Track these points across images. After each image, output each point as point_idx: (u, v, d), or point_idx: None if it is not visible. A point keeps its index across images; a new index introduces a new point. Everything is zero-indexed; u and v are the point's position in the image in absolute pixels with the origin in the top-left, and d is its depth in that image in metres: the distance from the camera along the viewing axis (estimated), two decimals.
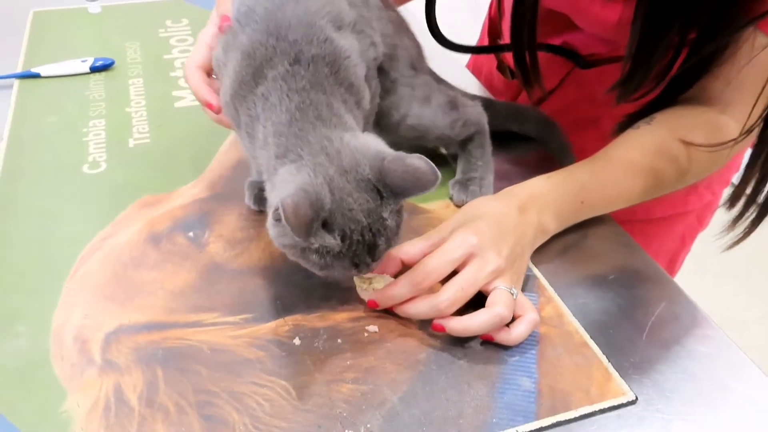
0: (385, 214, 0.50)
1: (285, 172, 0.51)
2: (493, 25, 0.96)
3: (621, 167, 0.65)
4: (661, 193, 0.67)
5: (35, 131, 0.79)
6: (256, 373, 0.51)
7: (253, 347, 0.53)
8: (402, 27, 0.69)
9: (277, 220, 0.49)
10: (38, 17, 1.08)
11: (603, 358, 0.53)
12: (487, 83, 0.95)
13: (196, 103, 0.85)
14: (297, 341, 0.54)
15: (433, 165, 0.49)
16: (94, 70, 0.91)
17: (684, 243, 0.93)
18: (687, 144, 0.64)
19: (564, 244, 0.64)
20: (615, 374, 0.52)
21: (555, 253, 0.63)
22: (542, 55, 0.74)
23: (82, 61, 0.91)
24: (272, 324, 0.55)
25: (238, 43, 0.55)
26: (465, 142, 0.72)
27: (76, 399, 0.49)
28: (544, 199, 0.62)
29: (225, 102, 0.58)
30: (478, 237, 0.56)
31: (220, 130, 0.78)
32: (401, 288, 0.55)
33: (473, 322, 0.53)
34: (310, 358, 0.52)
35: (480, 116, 0.72)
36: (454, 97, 0.71)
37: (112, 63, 0.92)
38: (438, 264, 0.55)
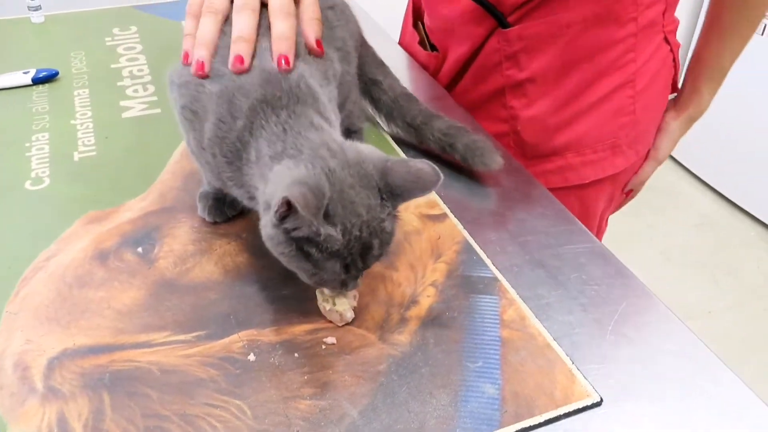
0: (383, 215, 0.50)
1: (283, 168, 0.49)
2: (416, 7, 1.01)
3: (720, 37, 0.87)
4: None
5: None
6: (209, 393, 0.49)
7: (205, 366, 0.51)
8: (354, 34, 0.71)
9: (281, 216, 0.46)
10: None
11: (567, 359, 0.52)
12: (414, 57, 1.00)
13: (145, 112, 0.82)
14: (252, 357, 0.52)
15: (436, 167, 0.49)
16: (37, 81, 0.88)
17: (610, 204, 0.98)
18: None
19: (525, 246, 0.63)
20: (579, 376, 0.51)
21: (516, 256, 0.62)
22: (466, 12, 0.82)
23: (24, 73, 0.88)
24: (226, 340, 0.53)
25: (207, 92, 0.54)
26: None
27: (17, 430, 0.46)
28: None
29: (198, 150, 0.57)
30: None
31: (170, 140, 0.76)
32: None
33: None
34: (266, 375, 0.50)
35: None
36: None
37: (56, 74, 0.89)
38: None
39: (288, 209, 0.46)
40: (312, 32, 0.58)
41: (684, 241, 2.25)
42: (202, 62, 0.55)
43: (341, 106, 0.66)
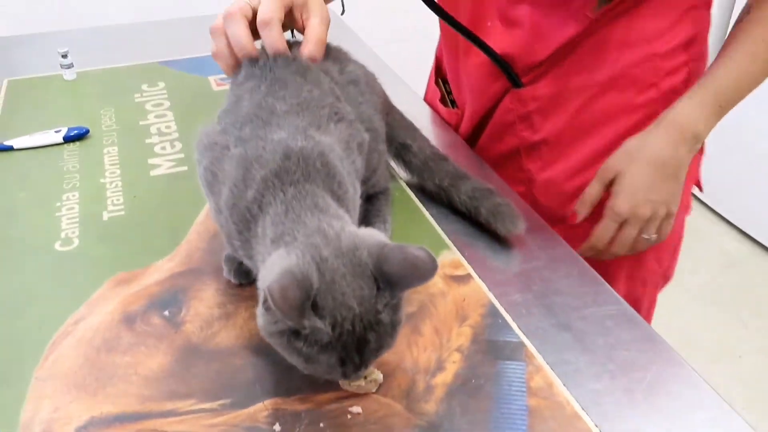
0: (380, 307, 0.48)
1: (275, 256, 0.49)
2: (439, 65, 1.03)
3: (745, 54, 0.75)
4: None
5: (5, 207, 0.78)
6: None
7: None
8: (378, 107, 0.73)
9: (267, 308, 0.47)
10: (13, 86, 1.07)
11: (597, 430, 0.51)
12: (437, 113, 1.01)
13: (173, 170, 0.84)
14: (277, 427, 0.51)
15: (433, 255, 0.48)
16: (68, 139, 0.90)
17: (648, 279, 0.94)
18: None
19: (551, 308, 0.63)
20: None
21: (542, 318, 0.62)
22: (481, 68, 0.82)
23: (56, 132, 0.90)
24: (251, 409, 0.53)
25: (230, 155, 0.56)
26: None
27: None
28: (691, 124, 0.74)
29: (216, 213, 0.58)
30: (629, 206, 0.76)
31: (196, 198, 0.77)
32: (606, 228, 0.77)
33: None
34: None
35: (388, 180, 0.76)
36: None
37: (87, 132, 0.91)
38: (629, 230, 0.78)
39: (267, 303, 0.45)
40: (308, 49, 0.63)
41: (710, 281, 2.21)
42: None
43: (367, 178, 0.67)
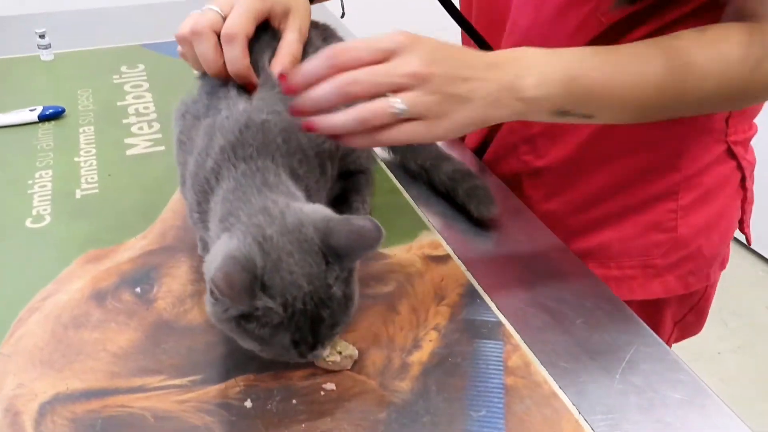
0: (330, 281, 0.46)
1: (219, 243, 0.48)
2: None
3: (629, 51, 0.57)
4: (698, 84, 0.57)
5: None
6: None
7: (201, 412, 0.50)
8: None
9: (215, 298, 0.46)
10: None
11: (574, 409, 0.50)
12: None
13: (149, 150, 0.82)
14: (248, 403, 0.50)
15: (378, 224, 0.47)
16: (43, 118, 0.88)
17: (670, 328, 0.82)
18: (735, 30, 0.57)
19: (529, 288, 0.62)
20: (586, 426, 0.49)
21: (520, 299, 0.61)
22: None
23: (30, 110, 0.88)
24: (222, 386, 0.52)
25: (199, 125, 0.55)
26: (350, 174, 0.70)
27: None
28: (527, 61, 0.54)
29: (182, 184, 0.58)
30: (412, 40, 0.51)
31: (173, 177, 0.75)
32: (310, 61, 0.51)
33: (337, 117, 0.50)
34: (263, 422, 0.49)
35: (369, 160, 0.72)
36: None
37: (63, 111, 0.89)
38: (356, 43, 0.51)
39: (214, 292, 0.45)
40: (279, 64, 0.58)
41: None
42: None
43: (346, 154, 0.65)
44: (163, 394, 0.51)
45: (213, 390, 0.51)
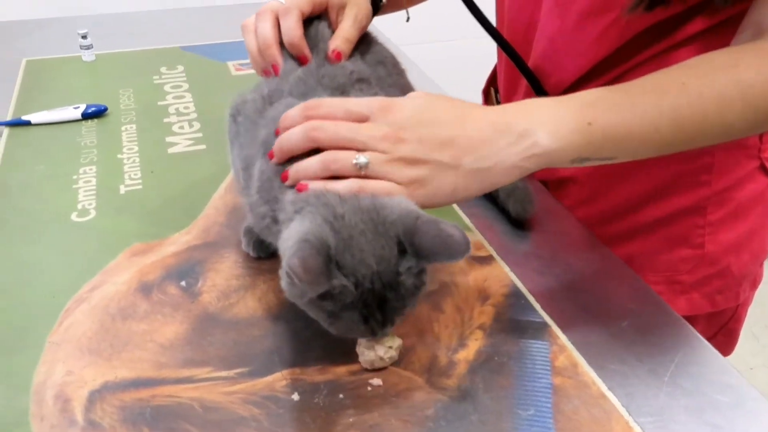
0: (401, 269, 0.46)
1: (290, 228, 0.48)
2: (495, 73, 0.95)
3: (641, 87, 0.53)
4: (720, 113, 0.53)
5: (23, 179, 0.77)
6: None
7: (248, 404, 0.50)
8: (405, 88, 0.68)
9: (293, 284, 0.46)
10: (31, 65, 1.07)
11: (623, 410, 0.50)
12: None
13: (190, 148, 0.83)
14: (295, 397, 0.50)
15: (466, 235, 0.46)
16: (86, 116, 0.89)
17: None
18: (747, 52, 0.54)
19: (573, 290, 0.62)
20: (636, 428, 0.48)
21: (565, 301, 0.60)
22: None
23: (74, 108, 0.90)
24: (269, 378, 0.52)
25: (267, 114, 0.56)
26: None
27: None
28: (535, 115, 0.51)
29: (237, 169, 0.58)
30: (389, 107, 0.50)
31: (215, 175, 0.77)
32: (290, 111, 0.52)
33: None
34: (310, 416, 0.49)
35: None
36: None
37: (105, 109, 0.91)
38: (333, 101, 0.52)
39: (291, 279, 0.44)
40: (333, 44, 0.60)
41: None
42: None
43: None
44: (210, 385, 0.51)
45: (260, 383, 0.51)
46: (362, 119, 0.50)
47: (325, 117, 0.51)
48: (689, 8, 0.62)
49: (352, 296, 0.46)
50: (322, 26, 0.62)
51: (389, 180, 0.49)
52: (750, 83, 0.53)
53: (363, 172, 0.49)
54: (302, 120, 0.51)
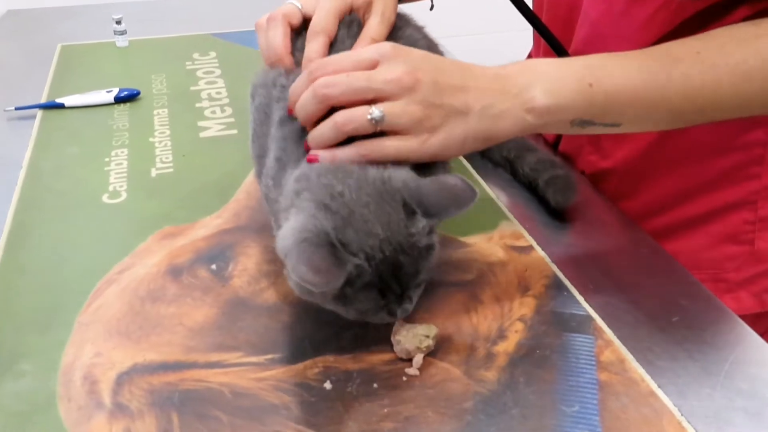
0: (413, 230, 0.45)
1: (286, 225, 0.46)
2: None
3: (651, 52, 0.52)
4: (736, 85, 0.51)
5: (55, 160, 0.76)
6: (281, 421, 0.46)
7: (279, 391, 0.48)
8: None
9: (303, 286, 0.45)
10: (66, 51, 1.07)
11: (675, 410, 0.47)
12: None
13: (222, 133, 0.82)
14: (328, 385, 0.48)
15: (471, 183, 0.46)
16: (119, 100, 0.89)
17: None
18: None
19: (618, 283, 0.59)
20: (690, 429, 0.45)
21: (610, 294, 0.58)
22: None
23: (107, 92, 0.89)
24: (300, 365, 0.50)
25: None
26: None
27: None
28: (536, 72, 0.50)
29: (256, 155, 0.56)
30: (399, 49, 0.48)
31: (247, 160, 0.75)
32: (298, 79, 0.50)
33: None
34: (343, 405, 0.47)
35: None
36: None
37: (138, 93, 0.90)
38: (339, 58, 0.49)
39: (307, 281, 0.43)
40: (358, 47, 0.56)
41: None
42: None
43: None
44: (240, 370, 0.50)
45: (291, 369, 0.50)
46: (373, 65, 0.48)
47: (331, 72, 0.49)
48: None
49: (369, 274, 0.44)
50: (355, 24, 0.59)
51: (403, 132, 0.48)
52: None
53: (379, 128, 0.47)
54: (309, 82, 0.49)
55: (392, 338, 0.50)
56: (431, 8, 0.83)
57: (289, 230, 0.46)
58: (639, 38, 0.65)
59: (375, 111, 0.47)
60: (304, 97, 0.49)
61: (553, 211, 0.68)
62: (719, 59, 0.51)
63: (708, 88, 0.52)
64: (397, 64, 0.48)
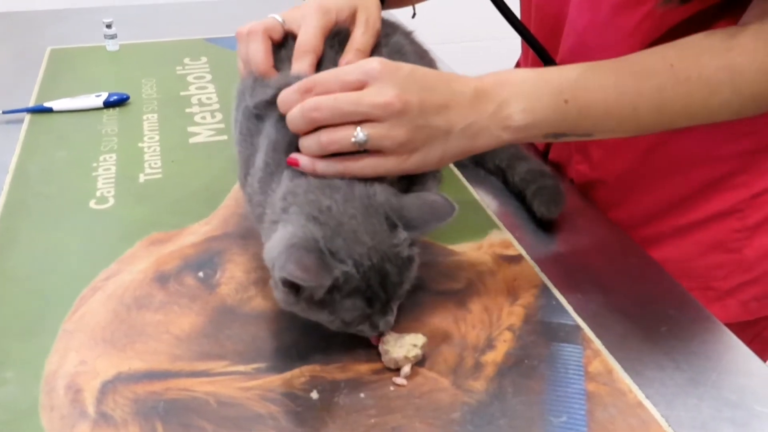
0: (396, 241, 0.47)
1: (276, 235, 0.47)
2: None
3: (627, 66, 0.54)
4: (706, 97, 0.53)
5: (43, 165, 0.76)
6: (267, 431, 0.45)
7: (265, 401, 0.47)
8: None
9: (296, 291, 0.45)
10: (55, 54, 1.06)
11: (663, 420, 0.47)
12: None
13: (212, 139, 0.82)
14: (314, 395, 0.48)
15: (450, 199, 0.48)
16: (108, 105, 0.88)
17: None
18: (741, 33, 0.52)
19: (607, 292, 0.59)
20: None
21: (599, 304, 0.57)
22: None
23: (96, 96, 0.88)
24: (287, 375, 0.49)
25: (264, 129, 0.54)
26: None
27: None
28: (514, 87, 0.51)
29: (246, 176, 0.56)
30: (386, 68, 0.48)
31: (235, 166, 0.75)
32: (287, 91, 0.50)
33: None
34: (329, 415, 0.46)
35: None
36: None
37: (127, 98, 0.90)
38: (327, 75, 0.49)
39: (293, 284, 0.44)
40: (344, 60, 0.57)
41: None
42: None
43: None
44: (226, 379, 0.49)
45: (278, 379, 0.49)
46: (361, 86, 0.49)
47: (321, 94, 0.49)
48: (724, 1, 0.59)
49: (356, 280, 0.45)
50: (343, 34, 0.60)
51: (386, 153, 0.49)
52: (741, 70, 0.52)
53: (362, 148, 0.49)
54: (299, 99, 0.50)
55: (380, 347, 0.50)
56: (413, 16, 0.84)
57: (278, 240, 0.47)
58: (624, 48, 0.64)
59: (360, 134, 0.48)
60: (294, 113, 0.50)
61: (541, 220, 0.68)
62: (692, 71, 0.53)
63: (679, 102, 0.53)
64: (385, 87, 0.48)
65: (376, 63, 0.49)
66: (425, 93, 0.49)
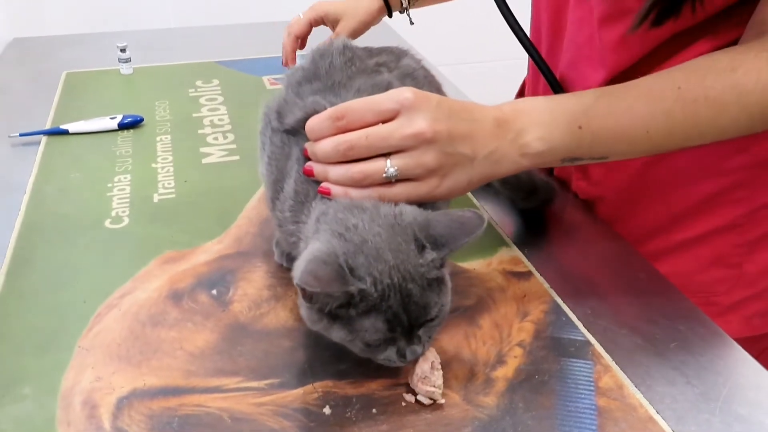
0: (422, 261, 0.46)
1: (306, 249, 0.48)
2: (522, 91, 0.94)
3: (636, 90, 0.56)
4: (714, 117, 0.54)
5: (59, 185, 0.77)
6: None
7: (278, 416, 0.48)
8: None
9: (309, 299, 0.46)
10: (71, 78, 1.08)
11: None
12: None
13: (224, 159, 0.83)
14: (327, 410, 0.48)
15: (480, 213, 0.48)
16: (123, 126, 0.90)
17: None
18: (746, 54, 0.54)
19: (617, 308, 0.59)
20: None
21: (608, 319, 0.58)
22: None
23: (111, 118, 0.90)
24: (300, 390, 0.50)
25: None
26: None
27: None
28: (531, 116, 0.54)
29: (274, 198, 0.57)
30: (418, 98, 0.50)
31: (248, 185, 0.76)
32: (318, 118, 0.51)
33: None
34: (342, 430, 0.47)
35: None
36: None
37: (141, 120, 0.91)
38: (360, 105, 0.51)
39: (306, 291, 0.45)
40: None
41: None
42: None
43: None
44: (240, 395, 0.50)
45: (291, 395, 0.50)
46: (394, 115, 0.51)
47: (354, 124, 0.51)
48: (713, 16, 0.60)
49: (373, 298, 0.45)
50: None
51: (416, 180, 0.52)
52: (748, 89, 0.54)
53: (393, 180, 0.51)
54: (332, 130, 0.51)
55: (411, 383, 0.49)
56: (411, 23, 0.89)
57: (304, 254, 0.48)
58: (613, 62, 0.65)
59: (390, 170, 0.50)
60: (326, 146, 0.51)
61: (550, 236, 0.69)
62: (699, 92, 0.54)
63: (689, 123, 0.55)
64: (416, 116, 0.50)
65: (409, 93, 0.51)
66: (452, 122, 0.51)
